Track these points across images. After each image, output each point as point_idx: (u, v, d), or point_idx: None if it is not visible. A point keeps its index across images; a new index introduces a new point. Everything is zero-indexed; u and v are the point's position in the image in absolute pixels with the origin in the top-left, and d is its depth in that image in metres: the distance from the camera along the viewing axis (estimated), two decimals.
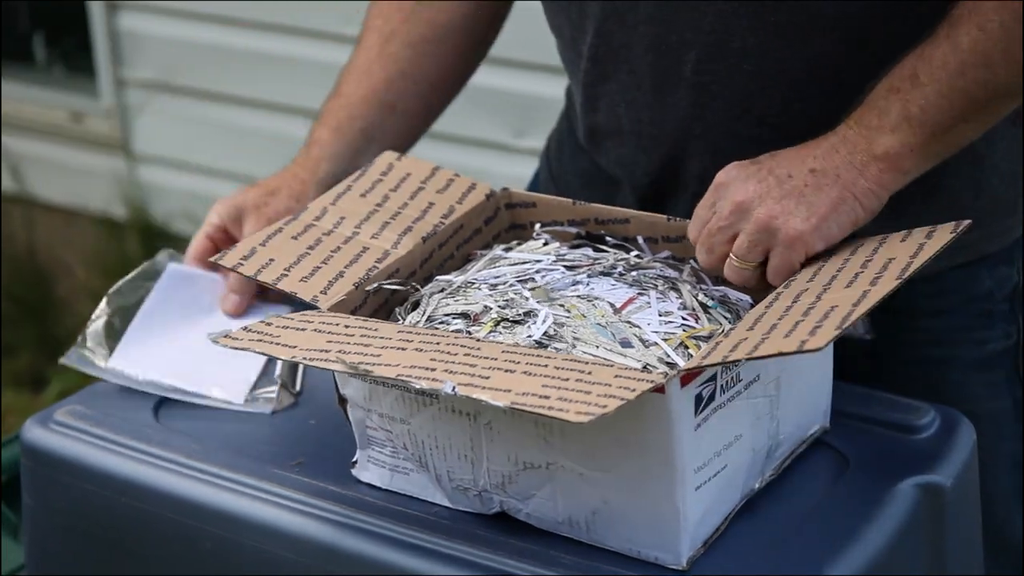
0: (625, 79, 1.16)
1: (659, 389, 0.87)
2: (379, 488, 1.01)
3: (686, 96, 1.13)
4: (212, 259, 1.04)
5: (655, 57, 1.13)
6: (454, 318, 1.00)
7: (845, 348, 1.04)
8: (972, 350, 1.18)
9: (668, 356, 0.94)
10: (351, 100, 1.27)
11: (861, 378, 1.11)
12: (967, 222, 0.99)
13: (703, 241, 1.03)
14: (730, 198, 1.01)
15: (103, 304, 1.14)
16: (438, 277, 1.07)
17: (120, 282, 1.18)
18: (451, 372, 0.88)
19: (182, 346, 1.13)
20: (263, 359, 1.09)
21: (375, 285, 1.04)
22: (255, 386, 1.11)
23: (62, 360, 1.12)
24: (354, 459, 1.03)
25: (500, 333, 0.99)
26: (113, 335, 1.15)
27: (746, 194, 1.00)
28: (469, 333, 0.98)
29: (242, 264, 1.03)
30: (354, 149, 1.24)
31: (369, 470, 1.02)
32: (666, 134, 1.15)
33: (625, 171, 1.20)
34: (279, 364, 1.11)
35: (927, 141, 1.01)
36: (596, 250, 1.10)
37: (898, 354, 1.18)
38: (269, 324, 0.96)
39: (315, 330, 0.95)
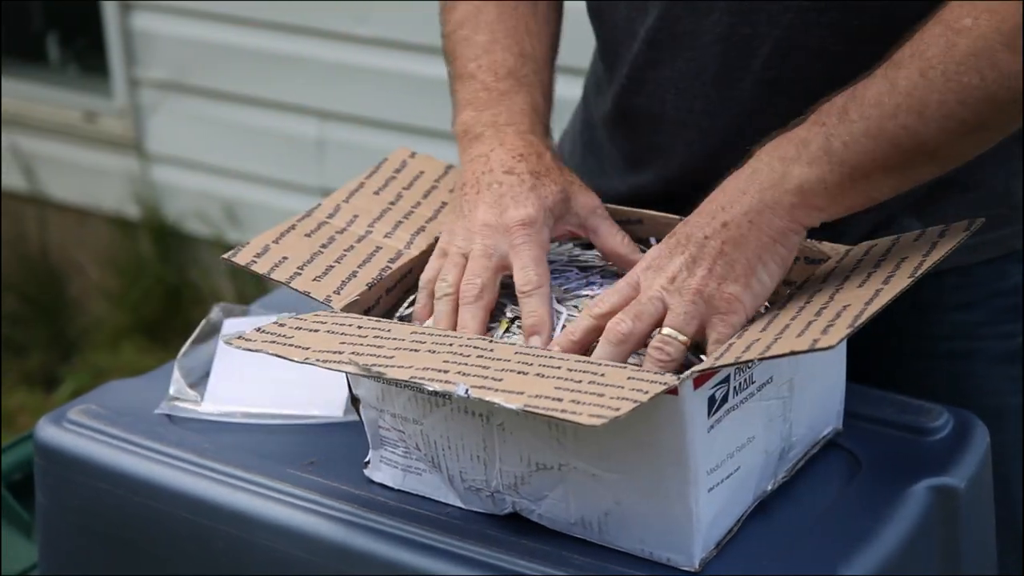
0: (683, 67, 1.13)
1: (672, 391, 0.87)
2: (391, 488, 1.01)
3: (750, 90, 1.11)
4: (224, 256, 1.04)
5: (723, 48, 1.10)
6: None
7: (869, 341, 1.03)
8: (997, 344, 1.17)
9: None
10: (540, 63, 1.17)
11: (884, 370, 1.11)
12: (980, 221, 0.98)
13: (620, 322, 0.95)
14: (662, 274, 0.96)
15: (176, 372, 1.15)
16: None
17: (184, 346, 1.18)
18: (464, 374, 0.88)
19: (266, 379, 1.12)
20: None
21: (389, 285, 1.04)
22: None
23: (157, 411, 1.12)
24: (367, 459, 1.03)
25: (514, 333, 0.98)
26: (197, 387, 1.15)
27: (674, 268, 0.96)
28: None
29: (255, 262, 1.03)
30: (542, 125, 1.14)
31: (381, 470, 1.02)
32: (718, 127, 1.13)
33: (658, 158, 1.19)
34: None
35: (842, 182, 0.96)
36: None
37: (923, 347, 1.17)
38: (282, 325, 0.96)
39: (328, 331, 0.95)
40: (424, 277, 1.04)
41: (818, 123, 0.97)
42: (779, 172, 0.96)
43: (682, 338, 0.94)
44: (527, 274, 1.01)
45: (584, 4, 1.24)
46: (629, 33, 1.16)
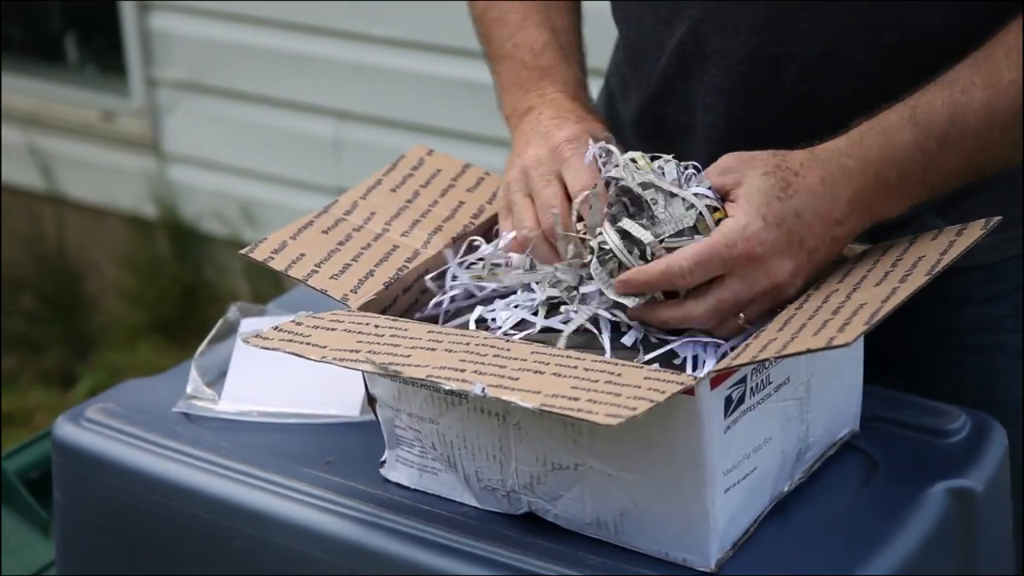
0: (711, 82, 1.13)
1: (689, 391, 0.87)
2: (407, 488, 1.01)
3: (779, 105, 1.11)
4: (242, 252, 1.04)
5: (751, 67, 1.11)
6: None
7: (894, 335, 1.03)
8: (1021, 338, 1.17)
9: None
10: (569, 34, 1.18)
11: (909, 364, 1.11)
12: (997, 219, 0.98)
13: (715, 308, 0.95)
14: (768, 277, 0.95)
15: (193, 371, 1.15)
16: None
17: (201, 345, 1.18)
18: (481, 373, 0.88)
19: (283, 378, 1.13)
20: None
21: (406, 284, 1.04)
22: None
23: (174, 410, 1.12)
24: (383, 459, 1.03)
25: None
26: (214, 386, 1.15)
27: (783, 276, 0.96)
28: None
29: (272, 258, 1.03)
30: (584, 97, 1.14)
31: (398, 470, 1.02)
32: (743, 141, 1.12)
33: None
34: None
35: (929, 197, 1.01)
36: None
37: (948, 341, 1.18)
38: (299, 324, 0.96)
39: (345, 330, 0.96)
40: (504, 243, 1.04)
41: (920, 147, 0.99)
42: (883, 199, 0.99)
43: (744, 325, 0.96)
44: (579, 178, 1.02)
45: (599, 5, 1.24)
46: (656, 44, 1.16)
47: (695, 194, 0.97)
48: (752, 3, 1.09)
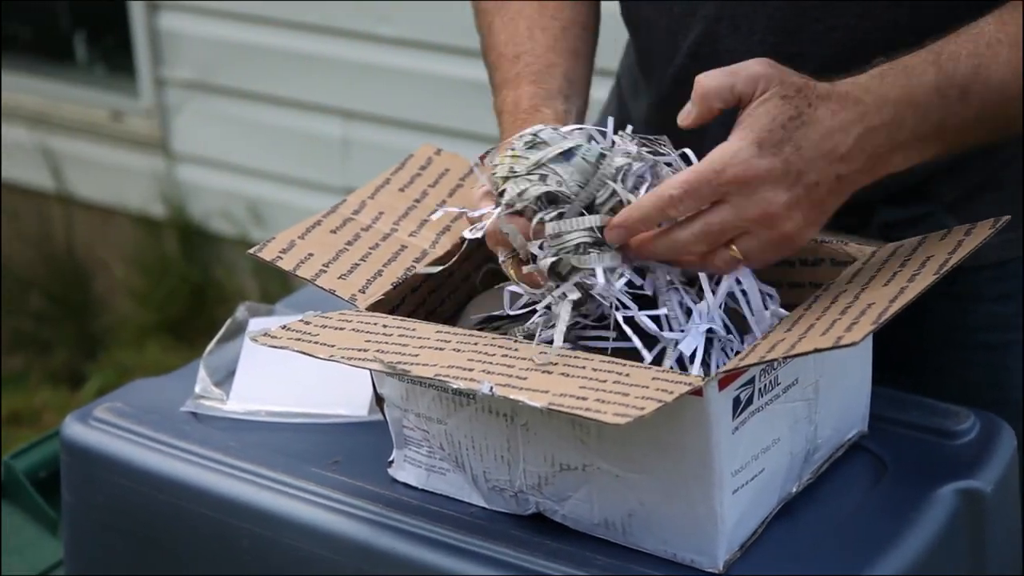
0: None
1: (697, 392, 0.87)
2: (415, 488, 1.01)
3: None
4: (250, 251, 1.04)
5: None
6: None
7: (905, 333, 1.02)
8: None
9: None
10: (538, 52, 1.13)
11: (920, 361, 1.10)
12: (1006, 218, 0.98)
13: (701, 231, 0.92)
14: (759, 205, 0.92)
15: (202, 371, 1.15)
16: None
17: (210, 345, 1.19)
18: (489, 372, 0.88)
19: (291, 378, 1.13)
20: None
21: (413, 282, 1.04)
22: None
23: (182, 409, 1.12)
24: (391, 458, 1.03)
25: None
26: (222, 386, 1.16)
27: (776, 205, 0.92)
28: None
29: (281, 258, 1.03)
30: (563, 96, 1.11)
31: (405, 470, 1.02)
32: None
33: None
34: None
35: (937, 155, 0.98)
36: None
37: (959, 338, 1.17)
38: (308, 323, 0.96)
39: (354, 329, 0.96)
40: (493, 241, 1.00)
41: (940, 92, 0.95)
42: (895, 142, 0.95)
43: (743, 264, 0.93)
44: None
45: (607, 5, 1.24)
46: (671, 45, 1.16)
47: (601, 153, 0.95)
48: (768, 3, 1.08)
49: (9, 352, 3.20)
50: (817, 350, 0.86)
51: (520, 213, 0.96)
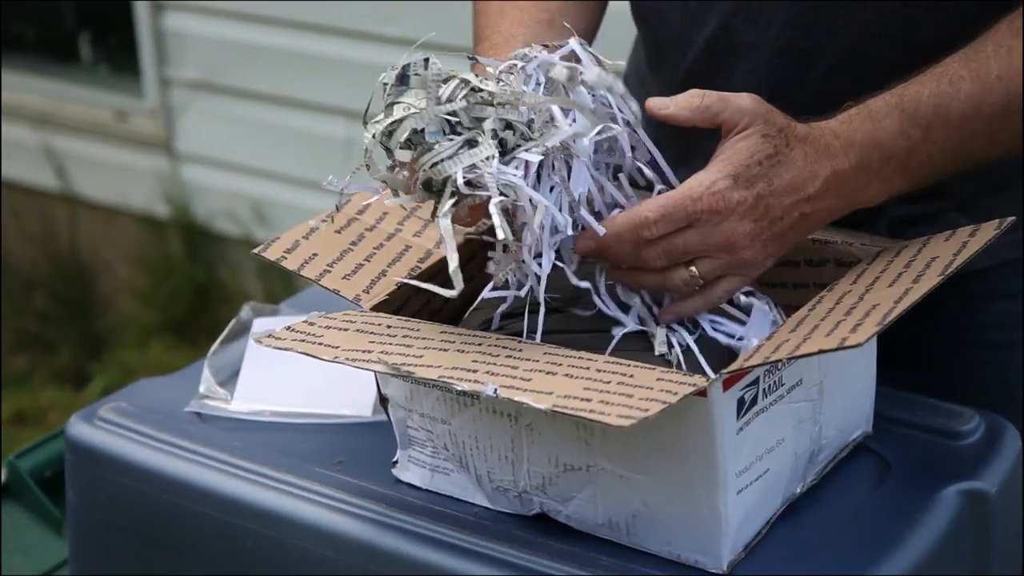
0: (739, 78, 1.13)
1: (701, 393, 0.87)
2: (419, 488, 1.02)
3: (805, 102, 1.09)
4: (254, 251, 1.04)
5: (781, 61, 1.11)
6: None
7: (914, 332, 1.02)
8: None
9: None
10: (502, 28, 1.15)
11: (930, 360, 1.10)
12: (1010, 219, 0.98)
13: (664, 249, 0.95)
14: (724, 234, 0.95)
15: (206, 371, 1.15)
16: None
17: (214, 345, 1.19)
18: (493, 374, 0.88)
19: (295, 378, 1.13)
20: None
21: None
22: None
23: (187, 409, 1.13)
24: (395, 459, 1.03)
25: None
26: (226, 386, 1.16)
27: (739, 235, 0.95)
28: None
29: (285, 258, 1.03)
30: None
31: (409, 470, 1.02)
32: None
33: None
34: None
35: (904, 189, 1.01)
36: None
37: (969, 336, 1.18)
38: (312, 324, 0.96)
39: (358, 330, 0.96)
40: None
41: (903, 134, 0.99)
42: (861, 184, 0.99)
43: (700, 283, 0.97)
44: None
45: (615, 4, 1.24)
46: (684, 40, 1.16)
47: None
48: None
49: (14, 352, 3.20)
50: (822, 351, 0.86)
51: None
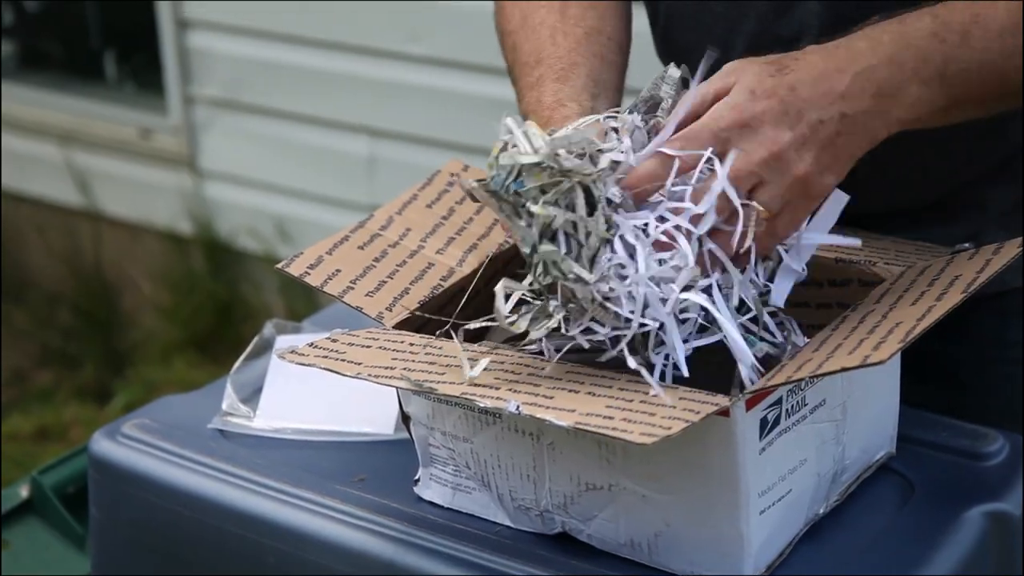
0: None
1: (724, 412, 0.86)
2: (441, 506, 1.01)
3: None
4: (277, 266, 1.04)
5: None
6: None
7: (948, 347, 1.01)
8: None
9: None
10: (560, 54, 1.11)
11: (963, 376, 1.08)
12: None
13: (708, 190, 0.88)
14: (764, 145, 0.89)
15: (229, 388, 1.16)
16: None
17: (237, 362, 1.19)
18: (515, 391, 0.88)
19: (317, 396, 1.13)
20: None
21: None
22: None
23: (209, 426, 1.13)
24: (416, 477, 1.03)
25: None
26: (249, 403, 1.16)
27: (781, 145, 0.89)
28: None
29: (308, 273, 1.03)
30: (589, 93, 1.07)
31: (431, 488, 1.02)
32: None
33: None
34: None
35: (944, 107, 0.95)
36: None
37: (1004, 354, 1.17)
38: (335, 341, 0.97)
39: (380, 347, 0.96)
40: None
41: (938, 37, 0.94)
42: (897, 82, 0.93)
43: (766, 215, 0.90)
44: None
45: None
46: (723, 43, 1.11)
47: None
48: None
49: (37, 367, 3.22)
50: (844, 369, 0.86)
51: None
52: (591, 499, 0.94)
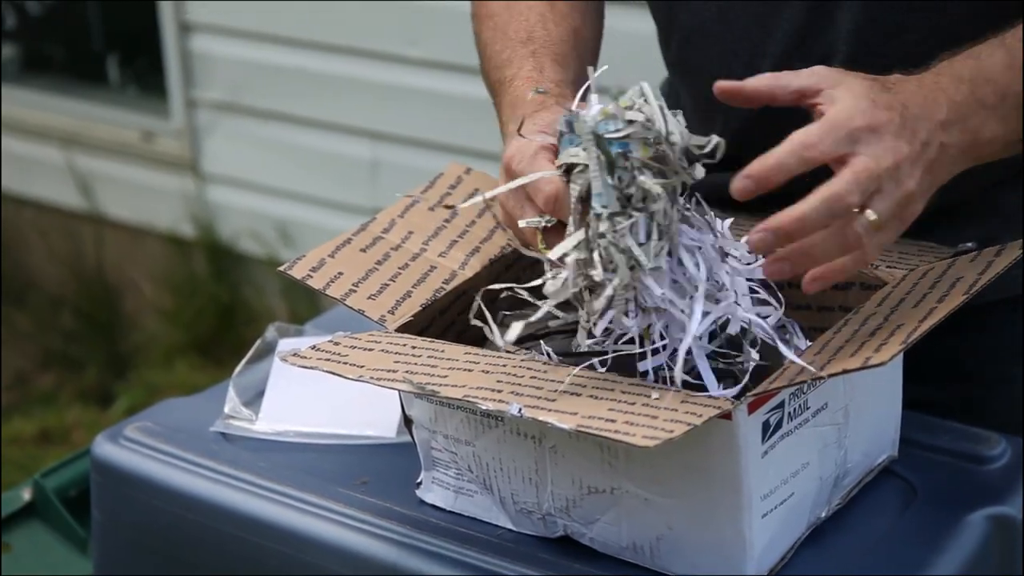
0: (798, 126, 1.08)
1: (726, 415, 0.87)
2: (443, 509, 1.01)
3: None
4: (280, 269, 1.04)
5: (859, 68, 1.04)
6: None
7: (965, 344, 1.01)
8: None
9: None
10: (553, 40, 1.11)
11: (969, 375, 1.08)
12: None
13: (845, 184, 0.85)
14: (891, 152, 0.87)
15: (231, 391, 1.16)
16: None
17: (239, 365, 1.19)
18: (517, 394, 0.88)
19: (320, 399, 1.13)
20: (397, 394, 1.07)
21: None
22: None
23: (212, 429, 1.13)
24: (418, 480, 1.03)
25: None
26: (251, 406, 1.16)
27: (902, 157, 0.87)
28: None
29: (311, 276, 1.03)
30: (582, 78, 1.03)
31: (433, 491, 1.02)
32: None
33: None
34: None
35: (1015, 143, 0.96)
36: None
37: (1008, 355, 1.16)
38: (337, 344, 0.97)
39: (383, 350, 0.96)
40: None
41: (1013, 69, 0.94)
42: (981, 119, 0.93)
43: (875, 226, 0.87)
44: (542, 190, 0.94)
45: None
46: (755, 52, 1.12)
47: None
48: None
49: (39, 370, 3.22)
50: (846, 371, 0.86)
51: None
52: (593, 502, 0.94)
